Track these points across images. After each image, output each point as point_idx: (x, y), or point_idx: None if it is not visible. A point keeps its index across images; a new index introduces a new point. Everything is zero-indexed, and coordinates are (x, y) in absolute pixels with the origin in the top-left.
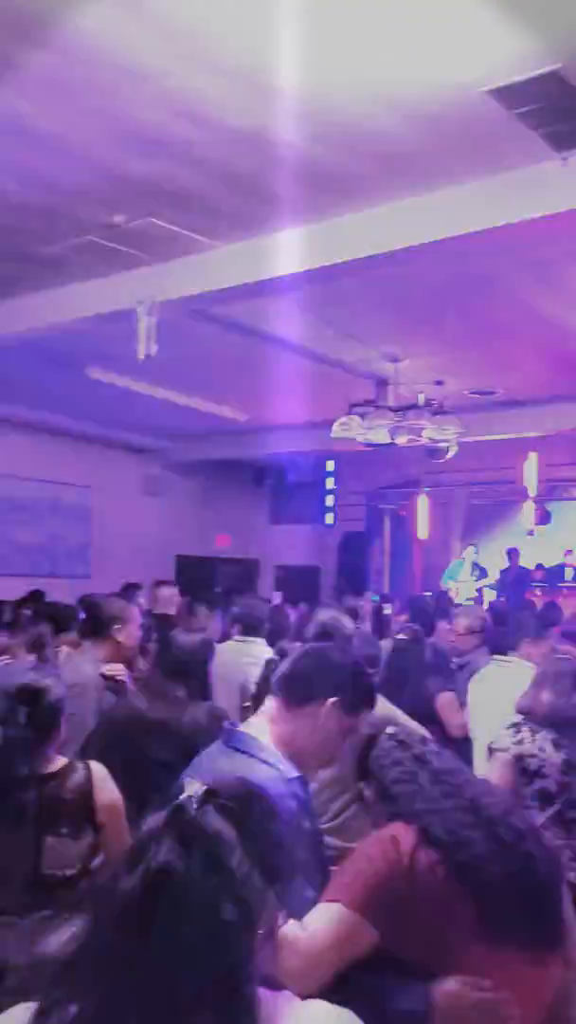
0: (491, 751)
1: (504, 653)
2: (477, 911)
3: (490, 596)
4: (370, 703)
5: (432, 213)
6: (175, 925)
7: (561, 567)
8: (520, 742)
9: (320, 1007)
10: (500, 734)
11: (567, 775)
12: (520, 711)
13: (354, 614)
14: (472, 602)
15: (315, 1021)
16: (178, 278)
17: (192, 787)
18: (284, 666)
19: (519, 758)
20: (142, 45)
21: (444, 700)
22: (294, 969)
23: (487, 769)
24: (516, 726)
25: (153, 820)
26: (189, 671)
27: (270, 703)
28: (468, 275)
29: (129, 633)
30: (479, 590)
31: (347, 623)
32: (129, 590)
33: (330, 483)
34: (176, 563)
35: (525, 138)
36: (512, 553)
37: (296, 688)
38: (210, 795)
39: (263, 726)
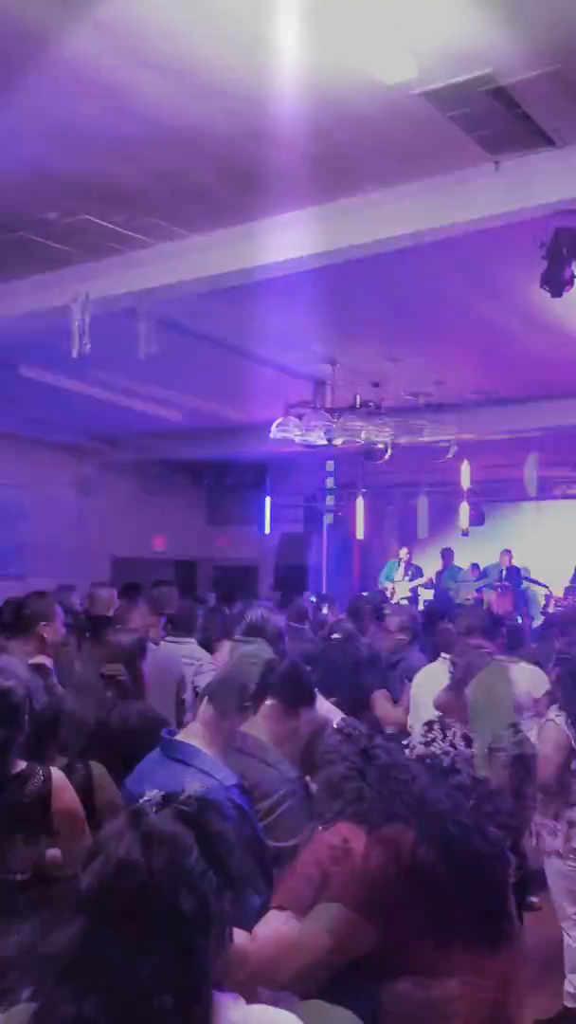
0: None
1: (444, 651)
2: (428, 910)
3: (426, 595)
4: (310, 701)
5: (366, 215)
6: (135, 915)
7: (496, 566)
8: (430, 742)
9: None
10: (415, 735)
11: (481, 769)
12: (438, 707)
13: (303, 615)
14: (407, 602)
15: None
16: (113, 276)
17: (149, 793)
18: (281, 669)
19: (421, 759)
20: (75, 39)
21: (378, 697)
22: (243, 980)
23: None
24: (429, 724)
25: (114, 822)
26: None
27: (204, 709)
28: (404, 277)
29: (54, 629)
30: (413, 590)
31: (276, 621)
32: (62, 591)
33: (267, 484)
34: (112, 564)
35: (459, 142)
36: (446, 553)
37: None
38: (167, 800)
39: (197, 731)
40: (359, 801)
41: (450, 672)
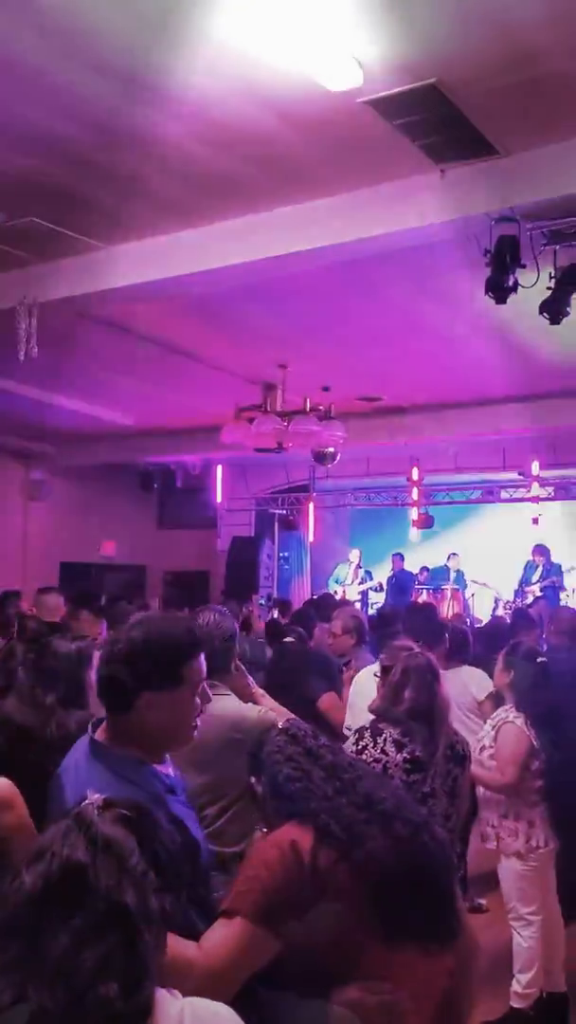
0: None
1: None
2: (377, 910)
3: (377, 598)
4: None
5: (314, 220)
6: (80, 909)
7: (445, 569)
8: (362, 749)
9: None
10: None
11: (412, 773)
12: (373, 712)
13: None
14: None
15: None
16: (61, 278)
17: (92, 796)
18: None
19: None
20: (20, 41)
21: (327, 701)
22: (193, 991)
23: None
24: (360, 731)
25: (56, 825)
26: (62, 678)
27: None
28: (354, 282)
29: None
30: (363, 592)
31: (228, 625)
32: (8, 597)
33: (218, 488)
34: (61, 570)
35: (404, 149)
36: (396, 557)
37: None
38: (109, 804)
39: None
40: (306, 801)
41: (376, 675)
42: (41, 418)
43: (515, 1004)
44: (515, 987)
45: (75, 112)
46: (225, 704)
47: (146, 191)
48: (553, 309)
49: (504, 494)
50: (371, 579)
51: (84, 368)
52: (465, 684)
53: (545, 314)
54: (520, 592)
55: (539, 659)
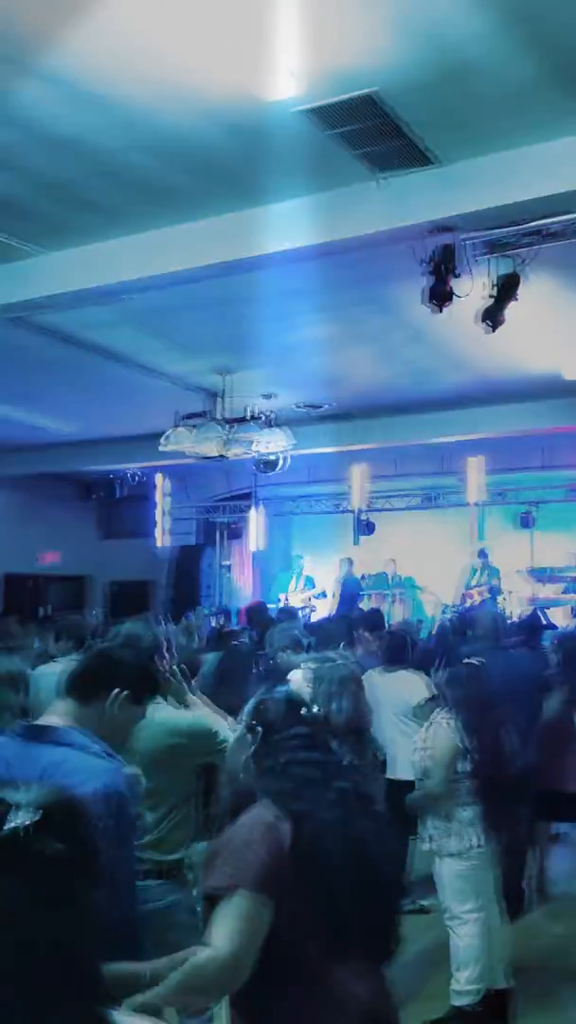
0: None
1: None
2: (325, 916)
3: (324, 605)
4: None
5: (254, 228)
6: (20, 944)
7: (384, 575)
8: None
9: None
10: None
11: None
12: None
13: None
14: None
15: None
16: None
17: (20, 815)
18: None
19: None
20: None
21: None
22: (218, 983)
23: None
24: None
25: None
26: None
27: (62, 704)
28: (296, 290)
29: None
30: (307, 600)
31: (160, 632)
32: None
33: (160, 496)
34: (3, 582)
35: (342, 158)
36: (346, 562)
37: (86, 685)
38: (41, 821)
39: (61, 720)
40: (298, 792)
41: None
42: None
43: (455, 1002)
44: (454, 985)
45: (13, 118)
46: (160, 712)
47: (85, 198)
48: (490, 318)
49: (444, 499)
50: (313, 586)
51: (22, 376)
52: (402, 689)
53: (483, 323)
54: (461, 596)
55: (469, 660)
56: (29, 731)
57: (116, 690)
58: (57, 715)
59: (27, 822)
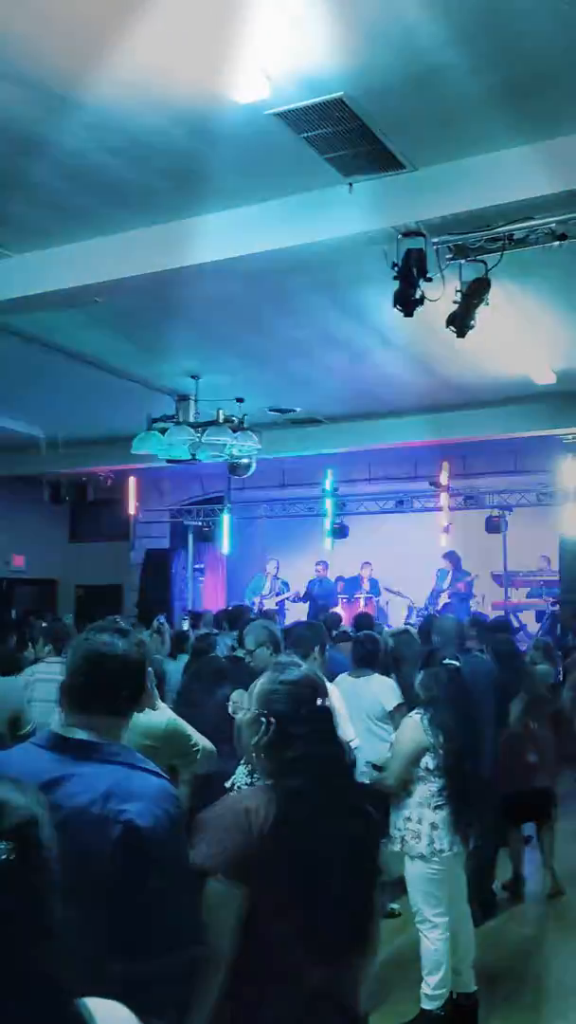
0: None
1: None
2: (297, 905)
3: (297, 608)
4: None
5: (223, 231)
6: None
7: (358, 578)
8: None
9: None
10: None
11: None
12: None
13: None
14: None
15: None
16: None
17: None
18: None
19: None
20: None
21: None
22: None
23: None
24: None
25: None
26: None
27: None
28: (266, 294)
29: None
30: (280, 603)
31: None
32: None
33: (131, 500)
34: None
35: (312, 162)
36: (320, 565)
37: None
38: None
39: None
40: (292, 777)
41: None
42: None
43: (425, 1006)
44: (424, 989)
45: None
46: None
47: (55, 200)
48: (459, 323)
49: (416, 504)
50: (288, 590)
51: None
52: (374, 693)
53: (451, 327)
54: (432, 599)
55: (446, 662)
56: (70, 746)
57: (125, 693)
58: (80, 727)
59: None
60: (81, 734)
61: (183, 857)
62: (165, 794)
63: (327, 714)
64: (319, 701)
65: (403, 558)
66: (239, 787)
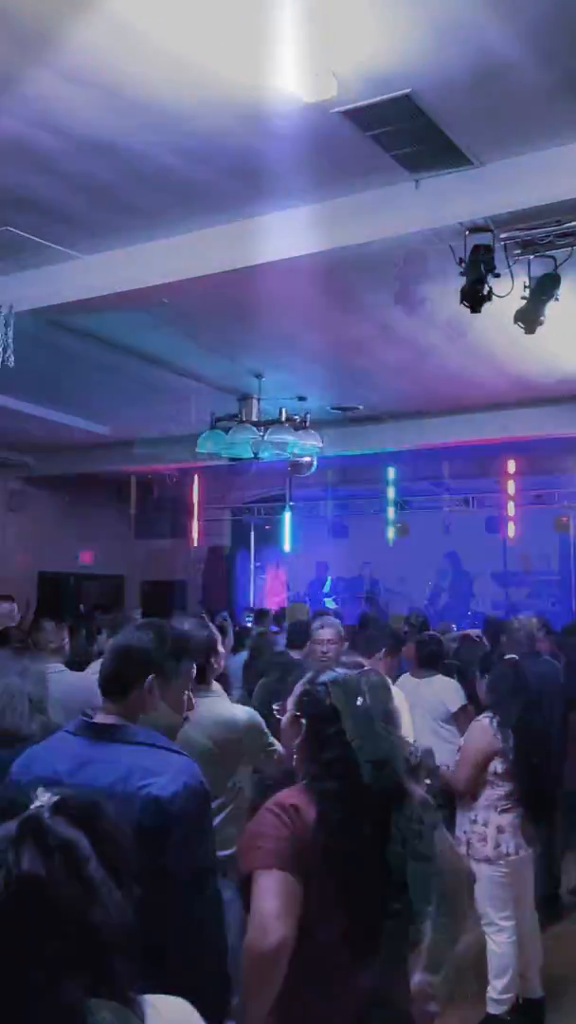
0: None
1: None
2: (341, 905)
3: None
4: (189, 660)
5: (288, 230)
6: (44, 930)
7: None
8: None
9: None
10: None
11: None
12: None
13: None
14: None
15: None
16: (37, 288)
17: (42, 797)
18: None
19: None
20: None
21: None
22: (260, 964)
23: None
24: None
25: (4, 829)
26: None
27: (105, 704)
28: (330, 292)
29: None
30: (339, 601)
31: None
32: None
33: (194, 498)
34: (38, 580)
35: (378, 159)
36: (318, 566)
37: (118, 680)
38: (60, 805)
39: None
40: (333, 780)
41: None
42: (18, 428)
43: (491, 1010)
44: (491, 993)
45: (50, 122)
46: (217, 706)
47: (121, 201)
48: (527, 318)
49: (481, 502)
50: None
51: (59, 378)
52: (437, 694)
53: (519, 323)
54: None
55: (509, 657)
56: (94, 729)
57: (150, 676)
58: (108, 713)
59: (45, 805)
60: (107, 719)
61: (205, 829)
62: (185, 768)
63: (371, 714)
64: (359, 701)
65: (465, 558)
66: (240, 786)
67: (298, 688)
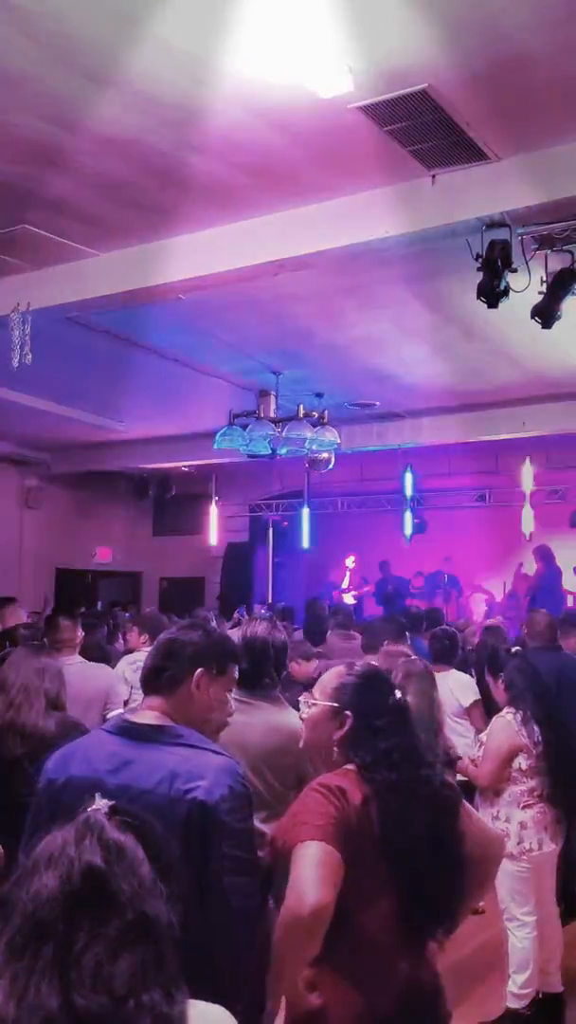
0: None
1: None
2: (397, 892)
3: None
4: (235, 660)
5: (306, 226)
6: (106, 918)
7: (440, 573)
8: None
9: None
10: None
11: None
12: None
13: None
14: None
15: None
16: (55, 286)
17: (99, 801)
18: (149, 660)
19: None
20: (10, 48)
21: None
22: (300, 930)
23: None
24: None
25: (64, 828)
26: None
27: (149, 699)
28: (347, 288)
29: None
30: (359, 597)
31: (221, 626)
32: (3, 604)
33: (212, 494)
34: (56, 576)
35: (396, 155)
36: (381, 565)
37: (166, 674)
38: (116, 810)
39: (156, 715)
40: (383, 767)
41: None
42: (35, 425)
43: (511, 1004)
44: (511, 987)
45: (66, 120)
46: (275, 716)
47: (140, 199)
48: (544, 314)
49: (498, 498)
50: (367, 584)
51: (77, 375)
52: (451, 689)
53: (537, 319)
54: (512, 596)
55: (515, 649)
56: (136, 730)
57: (199, 670)
58: (150, 710)
59: (101, 809)
60: (148, 718)
61: (248, 830)
62: (228, 770)
63: (405, 705)
64: (397, 694)
65: (483, 553)
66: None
67: (333, 680)
